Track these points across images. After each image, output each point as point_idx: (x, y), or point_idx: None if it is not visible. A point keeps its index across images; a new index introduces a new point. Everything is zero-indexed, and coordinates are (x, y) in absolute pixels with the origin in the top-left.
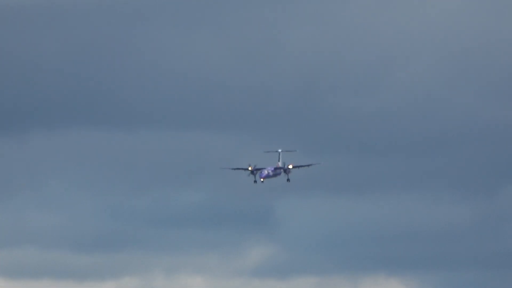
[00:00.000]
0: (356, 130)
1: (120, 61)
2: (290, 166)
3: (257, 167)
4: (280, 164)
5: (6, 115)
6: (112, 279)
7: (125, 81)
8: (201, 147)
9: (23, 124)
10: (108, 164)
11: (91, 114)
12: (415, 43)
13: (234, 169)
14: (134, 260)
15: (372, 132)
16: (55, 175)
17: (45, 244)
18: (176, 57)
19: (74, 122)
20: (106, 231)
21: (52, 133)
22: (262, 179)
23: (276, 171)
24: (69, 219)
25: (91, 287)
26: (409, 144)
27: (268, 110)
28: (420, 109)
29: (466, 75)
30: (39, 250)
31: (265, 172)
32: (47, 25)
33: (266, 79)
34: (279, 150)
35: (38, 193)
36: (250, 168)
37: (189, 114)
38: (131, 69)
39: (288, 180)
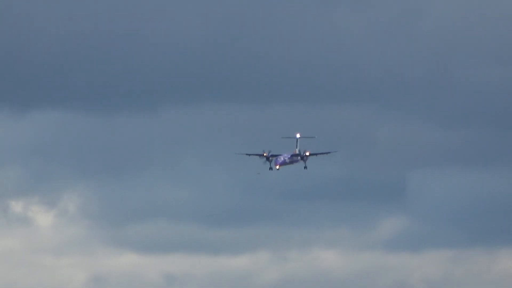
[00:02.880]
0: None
1: None
2: (307, 153)
3: (273, 153)
4: (297, 150)
5: (138, 91)
6: (245, 253)
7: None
8: None
9: (156, 99)
10: (240, 138)
11: (221, 89)
12: None
13: (249, 154)
14: (267, 234)
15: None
16: (188, 149)
17: (179, 218)
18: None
19: (205, 97)
20: (239, 205)
21: (184, 107)
22: (277, 167)
23: (293, 158)
24: (202, 194)
25: (224, 261)
26: None
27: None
28: None
29: None
30: (172, 224)
31: (281, 159)
32: None
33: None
34: (297, 136)
35: (171, 167)
36: (265, 154)
37: None
38: None
39: (305, 167)
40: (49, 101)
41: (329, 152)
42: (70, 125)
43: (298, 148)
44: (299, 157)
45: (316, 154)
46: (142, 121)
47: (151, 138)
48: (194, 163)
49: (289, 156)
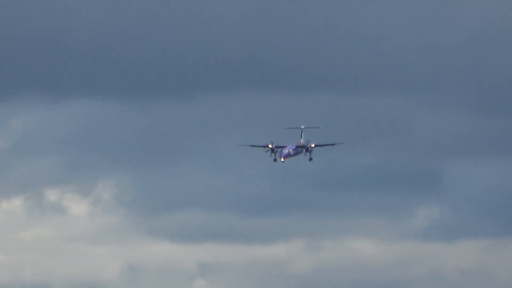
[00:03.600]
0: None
1: None
2: (313, 145)
3: (278, 145)
4: (302, 142)
5: (174, 78)
6: (280, 242)
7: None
8: None
9: (192, 87)
10: (276, 127)
11: (258, 76)
12: None
13: (253, 146)
14: (301, 224)
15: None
16: (223, 137)
17: (214, 207)
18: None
19: (243, 85)
20: (274, 194)
21: (221, 95)
22: (282, 159)
23: (298, 150)
24: (238, 182)
25: (259, 250)
26: None
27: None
28: None
29: None
30: (207, 213)
31: (286, 151)
32: None
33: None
34: (302, 127)
35: (207, 155)
36: (270, 146)
37: None
38: None
39: (310, 159)
40: (85, 89)
41: (334, 144)
42: (106, 113)
43: (302, 139)
44: (304, 149)
45: (321, 146)
46: (178, 109)
47: (187, 127)
48: (230, 151)
49: (294, 148)
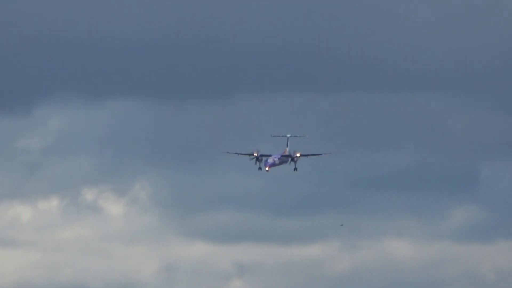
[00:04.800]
0: None
1: None
2: (298, 155)
3: (263, 153)
4: (288, 150)
5: (210, 79)
6: (316, 242)
7: None
8: None
9: (228, 87)
10: (311, 126)
11: (298, 77)
12: None
13: (239, 154)
14: (337, 224)
15: None
16: (260, 137)
17: (250, 208)
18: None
19: (282, 84)
20: (309, 194)
21: (257, 95)
22: (267, 168)
23: (283, 159)
24: (274, 183)
25: (294, 251)
26: None
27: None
28: None
29: None
30: (243, 213)
31: (271, 160)
32: None
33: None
34: (288, 135)
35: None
36: (255, 154)
37: None
38: None
39: (295, 169)
40: (122, 90)
41: (320, 154)
42: (142, 113)
43: (288, 147)
44: (289, 158)
45: (307, 155)
46: (214, 110)
47: (223, 127)
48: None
49: (279, 157)
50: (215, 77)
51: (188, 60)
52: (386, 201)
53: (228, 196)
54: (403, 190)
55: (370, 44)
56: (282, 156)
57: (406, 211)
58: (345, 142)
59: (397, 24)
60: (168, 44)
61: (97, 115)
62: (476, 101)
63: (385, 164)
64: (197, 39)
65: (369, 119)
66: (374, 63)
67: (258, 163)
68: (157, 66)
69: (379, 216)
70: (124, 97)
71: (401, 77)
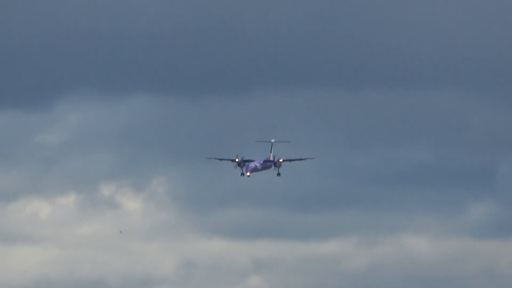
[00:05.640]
0: None
1: None
2: (281, 160)
3: (245, 158)
4: (271, 156)
5: (228, 74)
6: (333, 238)
7: None
8: None
9: (246, 83)
10: (330, 122)
11: (325, 74)
12: None
13: (221, 159)
14: (355, 220)
15: None
16: (277, 133)
17: (268, 204)
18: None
19: (312, 81)
20: (327, 190)
21: (277, 91)
22: (248, 173)
23: (266, 164)
24: (291, 178)
25: (312, 247)
26: None
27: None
28: None
29: None
30: (261, 209)
31: (252, 165)
32: None
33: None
34: (272, 140)
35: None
36: (237, 160)
37: None
38: None
39: (278, 174)
40: (140, 85)
41: (304, 159)
42: (161, 109)
43: (272, 152)
44: (272, 164)
45: (290, 160)
46: (232, 105)
47: (241, 122)
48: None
49: (261, 162)
50: (232, 74)
51: (199, 57)
52: (405, 198)
53: (247, 192)
54: (422, 186)
55: (385, 40)
56: (264, 161)
57: (424, 208)
58: (358, 140)
59: (414, 20)
60: (192, 40)
61: (116, 111)
62: (494, 96)
63: (404, 160)
64: (211, 37)
65: (388, 115)
66: (389, 60)
67: (240, 168)
68: (176, 62)
69: (398, 212)
70: (143, 93)
71: (419, 73)
